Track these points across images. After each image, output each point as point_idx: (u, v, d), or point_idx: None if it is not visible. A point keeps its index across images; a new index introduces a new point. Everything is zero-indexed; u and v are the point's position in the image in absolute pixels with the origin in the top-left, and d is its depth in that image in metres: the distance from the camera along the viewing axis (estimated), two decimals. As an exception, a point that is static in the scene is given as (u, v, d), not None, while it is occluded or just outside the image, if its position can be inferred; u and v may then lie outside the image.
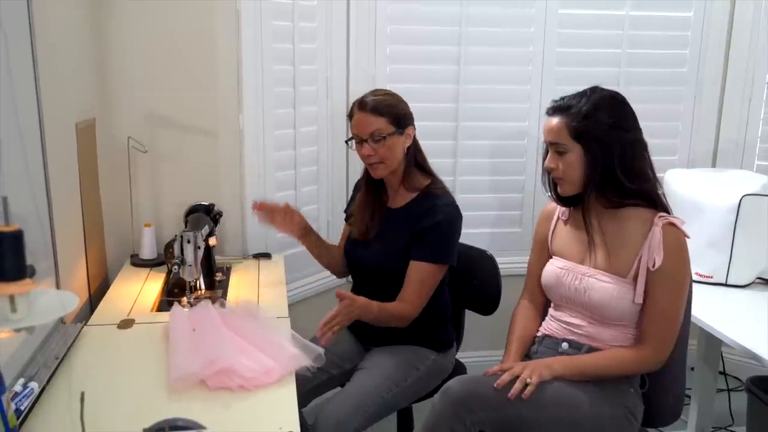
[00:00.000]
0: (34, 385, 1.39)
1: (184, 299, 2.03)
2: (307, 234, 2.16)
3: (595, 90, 1.77)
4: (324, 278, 2.74)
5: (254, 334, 1.70)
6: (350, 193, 2.32)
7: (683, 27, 2.98)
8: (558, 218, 1.94)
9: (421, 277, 1.96)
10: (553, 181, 1.85)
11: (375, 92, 2.04)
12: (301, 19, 2.58)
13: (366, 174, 2.11)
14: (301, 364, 1.60)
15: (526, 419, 1.64)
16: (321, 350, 1.68)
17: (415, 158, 2.05)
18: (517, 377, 1.65)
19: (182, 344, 1.64)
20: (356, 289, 2.17)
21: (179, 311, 1.84)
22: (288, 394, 1.49)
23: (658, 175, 1.80)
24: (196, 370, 1.52)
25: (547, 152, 1.82)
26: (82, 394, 1.08)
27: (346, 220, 2.23)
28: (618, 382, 1.76)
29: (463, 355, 2.29)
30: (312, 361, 1.63)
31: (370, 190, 2.12)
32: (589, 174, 1.74)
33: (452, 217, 2.00)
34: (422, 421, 1.68)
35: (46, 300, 1.01)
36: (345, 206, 2.33)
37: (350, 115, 2.04)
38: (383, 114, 1.97)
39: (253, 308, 1.86)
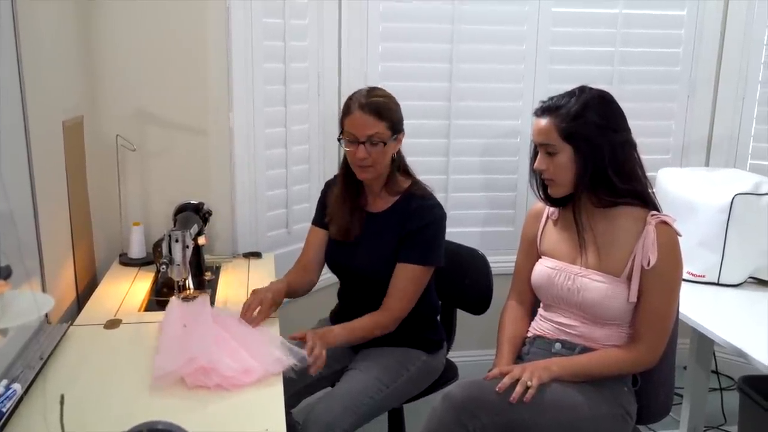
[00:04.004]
0: (17, 387, 1.36)
1: (173, 299, 2.01)
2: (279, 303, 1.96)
3: (583, 90, 1.75)
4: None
5: (243, 333, 1.69)
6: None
7: (676, 25, 2.97)
8: (547, 218, 1.92)
9: (408, 280, 1.94)
10: (542, 182, 1.84)
11: (374, 92, 1.95)
12: (292, 16, 2.56)
13: (344, 173, 2.04)
14: (284, 365, 1.58)
15: (528, 423, 1.63)
16: (305, 353, 1.66)
17: (399, 162, 2.02)
18: (518, 380, 1.64)
19: (169, 342, 1.62)
20: (343, 292, 2.16)
21: (176, 305, 1.82)
22: (275, 395, 1.47)
23: (651, 173, 1.79)
24: (176, 368, 1.51)
25: (535, 153, 1.81)
26: (62, 397, 1.06)
27: (318, 224, 2.14)
28: (612, 382, 1.76)
29: (454, 355, 2.28)
30: (297, 361, 1.61)
31: (348, 191, 2.04)
32: (579, 175, 1.73)
33: (439, 218, 1.98)
34: (422, 426, 1.66)
35: (22, 301, 0.99)
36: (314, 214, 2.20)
37: (346, 112, 1.94)
38: (383, 118, 1.90)
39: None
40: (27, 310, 0.99)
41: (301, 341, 1.75)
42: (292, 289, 2.04)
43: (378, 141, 1.90)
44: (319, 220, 2.13)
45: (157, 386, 1.48)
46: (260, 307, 1.82)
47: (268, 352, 1.61)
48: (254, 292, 1.88)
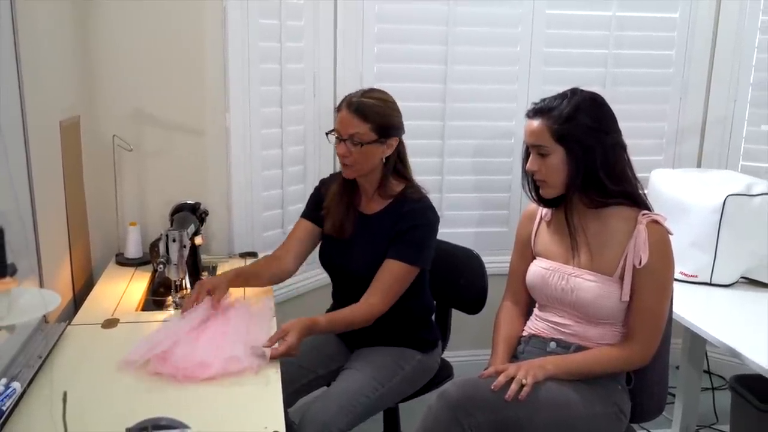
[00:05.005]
0: (17, 385, 1.37)
1: (169, 298, 2.02)
2: (231, 282, 1.97)
3: (575, 92, 1.77)
4: (310, 278, 2.74)
5: (228, 325, 1.72)
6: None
7: (669, 28, 3.00)
8: (540, 219, 1.94)
9: (393, 277, 1.94)
10: (534, 183, 1.85)
11: (369, 93, 1.97)
12: (288, 17, 2.57)
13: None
14: (242, 365, 1.57)
15: (523, 421, 1.64)
16: (266, 350, 1.65)
17: (395, 166, 2.01)
18: (513, 379, 1.65)
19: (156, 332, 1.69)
20: (337, 292, 2.17)
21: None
22: (273, 393, 1.48)
23: (644, 175, 1.81)
24: (140, 354, 1.57)
25: (527, 155, 1.82)
26: (65, 394, 1.07)
27: (306, 217, 2.14)
28: (607, 380, 1.77)
29: (449, 355, 2.29)
30: (257, 362, 1.61)
31: (345, 188, 2.06)
32: (571, 176, 1.74)
33: (431, 221, 1.99)
34: (418, 424, 1.67)
35: (28, 298, 1.01)
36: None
37: (338, 109, 1.97)
38: (368, 120, 1.91)
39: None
40: (34, 307, 1.00)
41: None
42: (250, 274, 2.05)
43: (359, 141, 1.91)
44: (308, 213, 2.14)
45: (122, 368, 1.56)
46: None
47: (230, 349, 1.61)
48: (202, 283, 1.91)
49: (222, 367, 1.55)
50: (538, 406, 1.64)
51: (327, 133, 2.01)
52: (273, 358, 1.63)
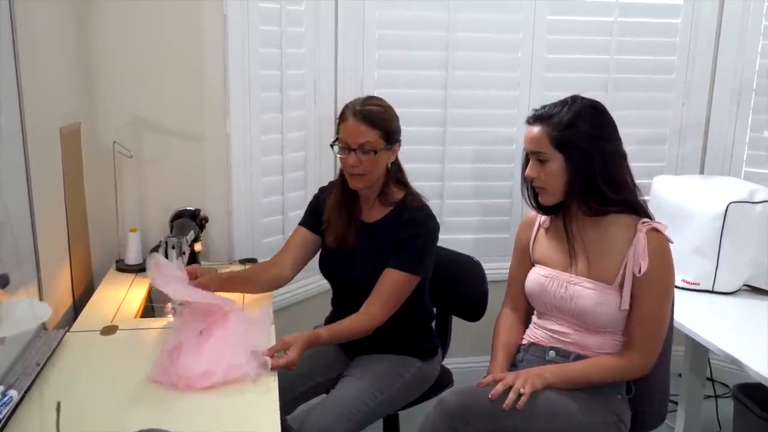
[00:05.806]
0: (14, 393, 1.37)
1: (169, 305, 2.02)
2: (223, 283, 2.00)
3: (575, 99, 1.77)
4: (310, 284, 2.73)
5: (229, 336, 1.70)
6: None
7: (671, 34, 2.99)
8: (539, 226, 1.94)
9: (393, 286, 1.93)
10: (533, 190, 1.85)
11: (370, 101, 1.97)
12: (288, 23, 2.57)
13: (341, 181, 2.04)
14: (242, 372, 1.57)
15: (521, 430, 1.64)
16: (267, 359, 1.64)
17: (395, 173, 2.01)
18: (511, 387, 1.65)
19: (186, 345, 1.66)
20: (337, 300, 2.17)
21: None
22: (270, 401, 1.48)
23: (647, 181, 1.80)
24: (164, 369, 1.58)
25: (526, 161, 1.82)
26: (58, 404, 1.06)
27: (304, 225, 2.13)
28: (606, 389, 1.76)
29: (449, 362, 2.28)
30: (258, 369, 1.61)
31: (345, 198, 2.05)
32: (570, 183, 1.74)
33: (431, 229, 1.98)
34: None
35: (20, 310, 1.00)
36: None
37: (341, 119, 1.96)
38: (377, 127, 1.91)
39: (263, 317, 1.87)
40: (25, 319, 0.99)
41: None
42: (245, 279, 2.06)
43: (369, 149, 1.91)
44: (306, 221, 2.13)
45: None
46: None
47: (231, 356, 1.61)
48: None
49: (223, 376, 1.55)
50: (536, 415, 1.64)
51: (331, 145, 1.99)
52: (272, 369, 1.63)
